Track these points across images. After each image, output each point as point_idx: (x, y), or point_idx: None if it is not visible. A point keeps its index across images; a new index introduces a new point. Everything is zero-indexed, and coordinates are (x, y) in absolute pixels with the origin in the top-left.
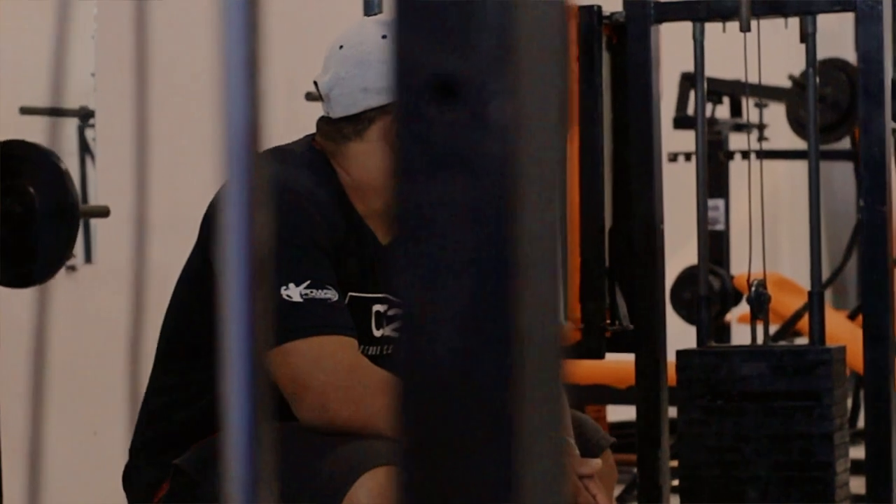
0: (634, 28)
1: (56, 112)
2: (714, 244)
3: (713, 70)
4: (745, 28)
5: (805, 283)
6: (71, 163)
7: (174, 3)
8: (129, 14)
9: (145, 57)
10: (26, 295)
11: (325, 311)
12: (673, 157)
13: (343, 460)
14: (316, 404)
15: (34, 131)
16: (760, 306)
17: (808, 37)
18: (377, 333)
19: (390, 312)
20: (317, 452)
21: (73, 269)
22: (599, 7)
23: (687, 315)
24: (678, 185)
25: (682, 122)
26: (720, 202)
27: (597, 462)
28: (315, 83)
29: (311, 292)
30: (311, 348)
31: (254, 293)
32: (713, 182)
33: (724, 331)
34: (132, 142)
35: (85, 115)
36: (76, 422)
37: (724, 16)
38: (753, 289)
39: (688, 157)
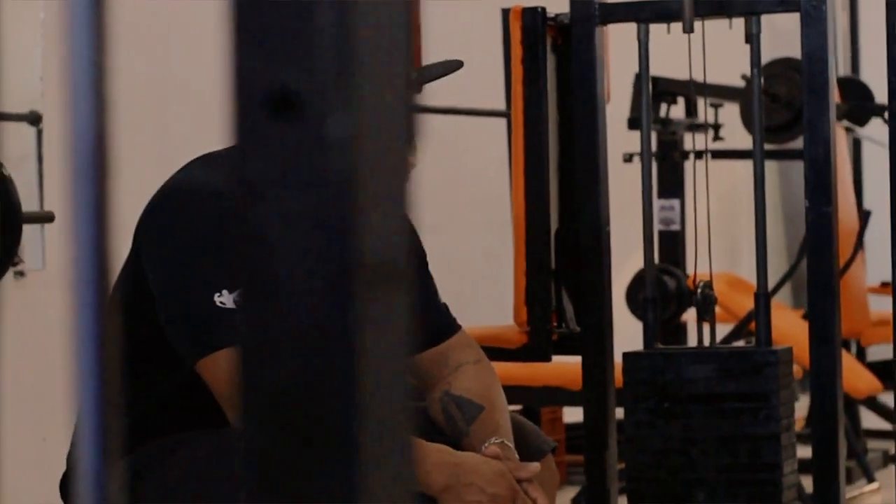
0: (579, 29)
1: (2, 116)
2: (669, 244)
3: (669, 70)
4: (688, 29)
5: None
6: (29, 168)
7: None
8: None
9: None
10: None
11: None
12: (628, 158)
13: None
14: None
15: None
16: (707, 308)
17: (752, 37)
18: None
19: None
20: None
21: (21, 274)
22: (543, 8)
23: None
24: (635, 186)
25: (636, 122)
26: (675, 202)
27: (535, 466)
28: None
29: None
30: (228, 362)
31: (102, 315)
32: (668, 182)
33: (681, 331)
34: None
35: (34, 120)
36: (26, 428)
37: (668, 17)
38: (699, 290)
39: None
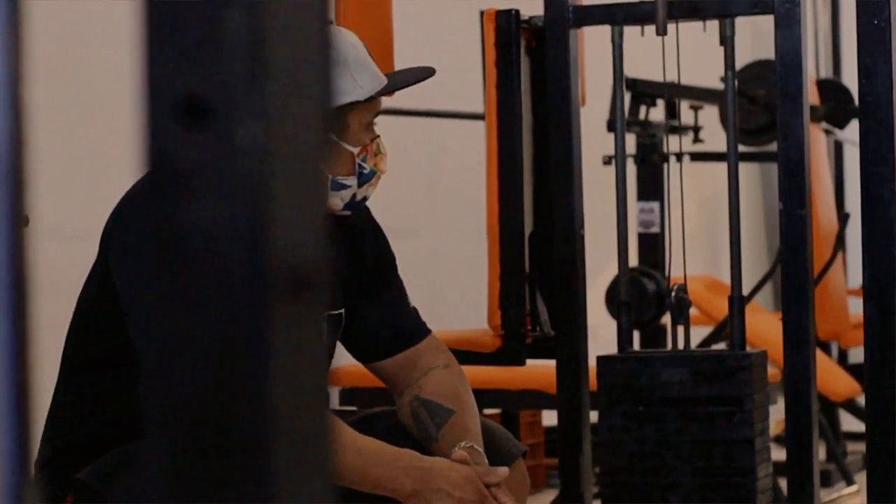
0: (553, 32)
1: None
2: (650, 247)
3: (651, 73)
4: (661, 31)
5: (744, 286)
6: None
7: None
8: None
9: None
10: None
11: None
12: (608, 161)
13: None
14: None
15: None
16: (681, 311)
17: (726, 40)
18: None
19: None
20: None
21: None
22: (517, 11)
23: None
24: (615, 189)
25: (615, 125)
26: (655, 205)
27: (503, 470)
28: None
29: None
30: None
31: (21, 323)
32: (648, 184)
33: (661, 334)
34: (47, 152)
35: None
36: None
37: (642, 19)
38: (674, 293)
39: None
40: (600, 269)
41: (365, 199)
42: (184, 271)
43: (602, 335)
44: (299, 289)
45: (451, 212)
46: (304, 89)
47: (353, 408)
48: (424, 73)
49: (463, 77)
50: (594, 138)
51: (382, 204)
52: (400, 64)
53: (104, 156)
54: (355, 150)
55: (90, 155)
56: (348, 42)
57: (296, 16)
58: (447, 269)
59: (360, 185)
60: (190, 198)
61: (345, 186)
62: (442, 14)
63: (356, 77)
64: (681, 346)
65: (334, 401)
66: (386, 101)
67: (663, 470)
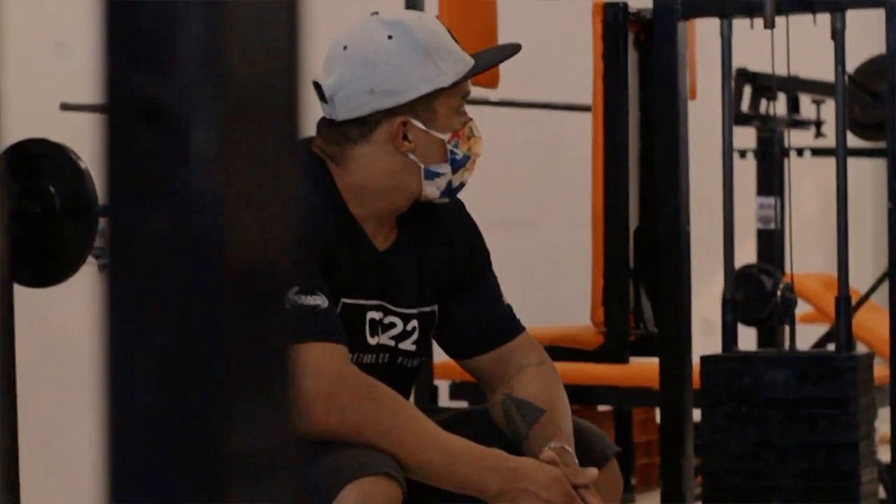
0: (661, 24)
1: (94, 108)
2: (768, 243)
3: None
4: (769, 25)
5: (862, 285)
6: None
7: None
8: None
9: None
10: (48, 294)
11: (314, 318)
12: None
13: (329, 469)
14: (301, 412)
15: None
16: (787, 310)
17: (837, 34)
18: (372, 341)
19: (386, 320)
20: (302, 460)
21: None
22: (625, 4)
23: (741, 315)
24: (736, 183)
25: (736, 118)
26: (775, 200)
27: (592, 471)
28: (315, 84)
29: (300, 298)
30: (297, 355)
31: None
32: (768, 180)
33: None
34: None
35: None
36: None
37: (750, 12)
38: (780, 292)
39: (742, 154)
40: (719, 265)
41: (462, 184)
42: (138, 277)
43: (717, 332)
44: (257, 295)
45: (570, 204)
46: (267, 94)
47: (464, 403)
48: (511, 51)
49: (578, 68)
50: (717, 132)
51: (499, 195)
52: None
53: None
54: (445, 137)
55: None
56: (427, 29)
57: (259, 18)
58: (564, 262)
59: (454, 172)
60: (145, 202)
61: (438, 174)
62: (559, 4)
63: (438, 63)
64: (796, 345)
65: (444, 395)
66: (504, 93)
67: (765, 472)
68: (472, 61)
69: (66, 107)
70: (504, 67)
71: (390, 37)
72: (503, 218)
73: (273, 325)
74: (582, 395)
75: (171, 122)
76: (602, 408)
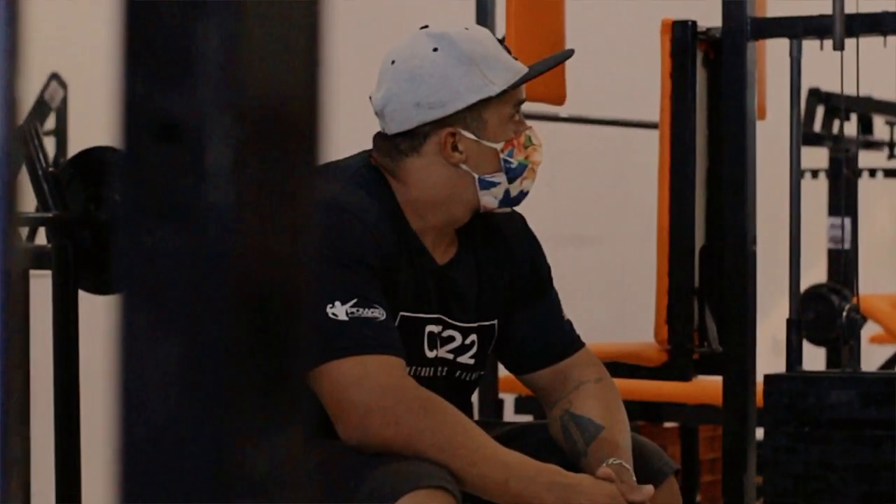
0: (730, 44)
1: None
2: (838, 263)
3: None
4: (838, 46)
5: None
6: None
7: None
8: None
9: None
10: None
11: (371, 331)
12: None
13: (384, 481)
14: (357, 424)
15: None
16: (852, 331)
17: None
18: (430, 354)
19: (445, 333)
20: (358, 472)
21: None
22: (694, 22)
23: (810, 335)
24: (808, 203)
25: (808, 138)
26: (846, 220)
27: (648, 489)
28: (371, 99)
29: (358, 311)
30: (354, 367)
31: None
32: (840, 200)
33: (850, 351)
34: None
35: None
36: None
37: (820, 33)
38: (845, 313)
39: (814, 173)
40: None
41: (522, 193)
42: (151, 295)
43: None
44: (270, 313)
45: (637, 221)
46: (285, 111)
47: (529, 417)
48: (563, 56)
49: (647, 85)
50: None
51: (569, 211)
52: (580, 72)
53: None
54: (498, 146)
55: None
56: (473, 40)
57: (278, 36)
58: (630, 278)
59: (510, 181)
60: (159, 220)
61: (494, 184)
62: (629, 21)
63: (486, 73)
64: (863, 366)
65: (509, 409)
66: (574, 109)
67: (827, 493)
68: (522, 69)
69: None
70: (573, 84)
71: (435, 49)
72: (572, 233)
73: (286, 344)
74: (648, 412)
75: (186, 139)
76: (668, 424)
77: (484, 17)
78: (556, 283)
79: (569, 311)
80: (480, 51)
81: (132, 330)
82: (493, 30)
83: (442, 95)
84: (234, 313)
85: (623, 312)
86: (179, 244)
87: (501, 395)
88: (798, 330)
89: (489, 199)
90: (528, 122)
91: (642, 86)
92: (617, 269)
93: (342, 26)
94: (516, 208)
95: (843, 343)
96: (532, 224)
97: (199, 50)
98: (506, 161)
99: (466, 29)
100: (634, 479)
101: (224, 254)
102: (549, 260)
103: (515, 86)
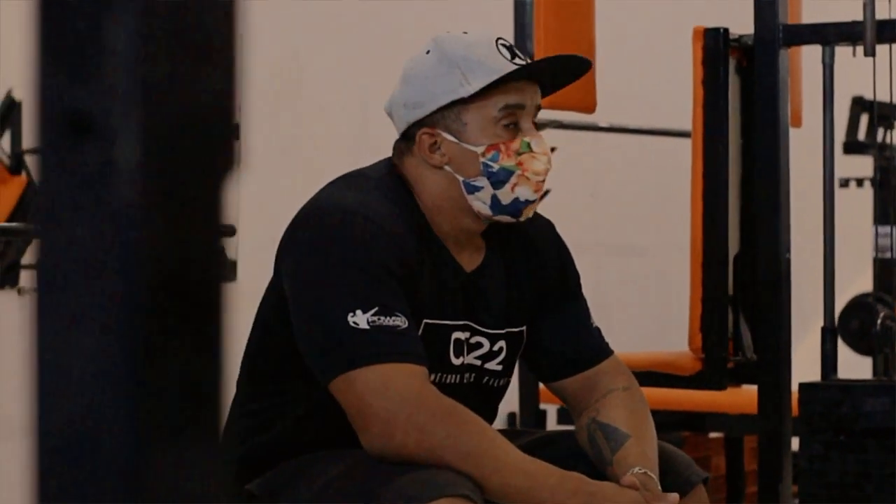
0: (762, 51)
1: None
2: (884, 272)
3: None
4: (869, 52)
5: None
6: None
7: None
8: None
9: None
10: None
11: (393, 339)
12: (844, 183)
13: (407, 489)
14: (380, 432)
15: None
16: (887, 340)
17: None
18: (456, 361)
19: (472, 340)
20: (381, 481)
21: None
22: (726, 29)
23: (855, 344)
24: (850, 212)
25: (852, 146)
26: (893, 229)
27: (674, 497)
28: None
29: (379, 319)
30: (376, 376)
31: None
32: (886, 208)
33: (886, 360)
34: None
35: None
36: None
37: (852, 39)
38: (879, 322)
39: (859, 182)
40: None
41: (519, 201)
42: (67, 289)
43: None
44: (177, 310)
45: (670, 229)
46: (196, 105)
47: (573, 428)
48: (570, 59)
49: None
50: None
51: (610, 221)
52: (613, 80)
53: (319, 168)
54: (479, 149)
55: (304, 166)
56: (464, 43)
57: (191, 28)
58: (664, 287)
59: (494, 186)
60: (68, 214)
61: (477, 188)
62: (661, 28)
63: (466, 75)
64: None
65: (551, 419)
66: (605, 117)
67: (863, 501)
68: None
69: None
70: (604, 92)
71: (428, 52)
72: (611, 243)
73: (198, 334)
74: (692, 422)
75: (98, 134)
76: (713, 435)
77: (521, 27)
78: (599, 293)
79: (610, 320)
80: (464, 53)
81: (49, 326)
82: (530, 39)
83: (421, 96)
84: (144, 305)
85: (658, 321)
86: (91, 236)
87: (543, 406)
88: (833, 338)
89: (479, 205)
90: (554, 132)
91: (675, 94)
92: (652, 277)
93: (379, 33)
94: (548, 217)
95: (878, 351)
96: (574, 234)
97: (109, 45)
98: (486, 165)
99: (468, 33)
100: (659, 487)
101: (134, 246)
102: (593, 270)
103: (489, 87)
